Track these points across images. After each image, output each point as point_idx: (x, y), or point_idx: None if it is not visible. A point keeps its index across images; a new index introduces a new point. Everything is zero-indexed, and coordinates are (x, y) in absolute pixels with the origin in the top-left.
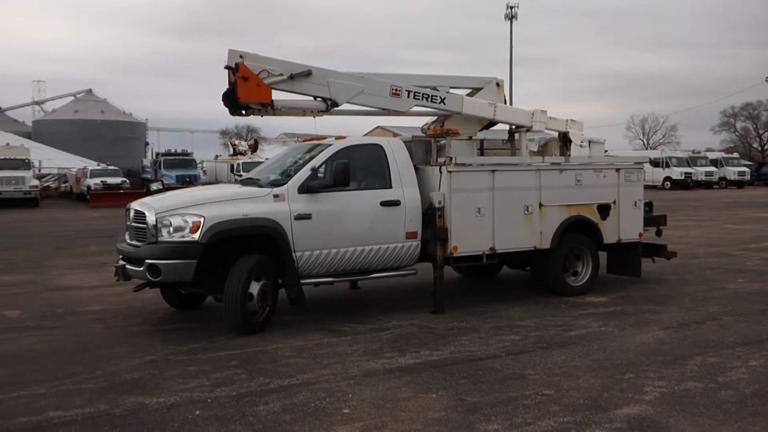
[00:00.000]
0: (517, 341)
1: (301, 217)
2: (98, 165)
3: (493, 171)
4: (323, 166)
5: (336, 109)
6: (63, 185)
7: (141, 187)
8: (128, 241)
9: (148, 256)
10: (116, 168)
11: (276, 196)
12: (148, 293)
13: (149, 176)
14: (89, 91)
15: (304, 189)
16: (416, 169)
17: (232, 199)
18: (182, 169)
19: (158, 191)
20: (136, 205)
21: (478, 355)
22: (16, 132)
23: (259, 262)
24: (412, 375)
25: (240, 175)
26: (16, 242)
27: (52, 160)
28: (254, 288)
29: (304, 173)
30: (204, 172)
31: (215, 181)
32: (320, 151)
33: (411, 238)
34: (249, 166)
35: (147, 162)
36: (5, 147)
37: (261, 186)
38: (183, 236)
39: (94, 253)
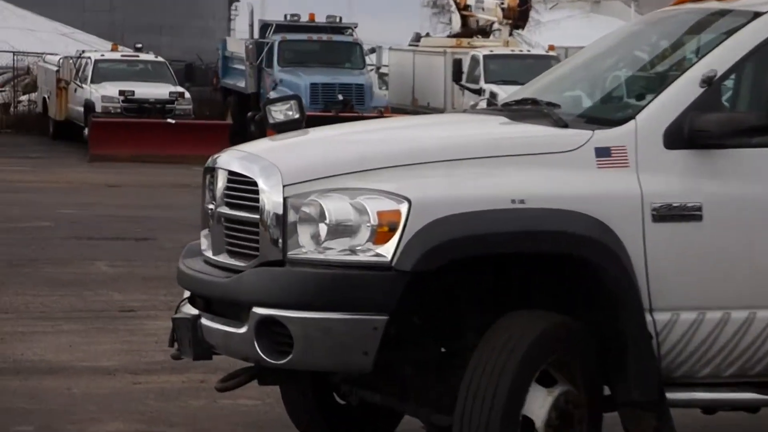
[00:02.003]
0: None
1: (672, 213)
2: (114, 49)
3: None
4: (736, 73)
5: None
6: (24, 98)
7: (222, 113)
8: (208, 253)
9: (261, 299)
10: (158, 59)
11: (602, 152)
12: (247, 392)
13: (241, 84)
14: None
15: (684, 136)
16: None
17: (481, 155)
18: (326, 69)
19: (285, 125)
20: (231, 159)
21: None
22: None
23: (553, 334)
24: None
25: (479, 91)
26: None
27: None
28: (537, 401)
29: (684, 93)
30: (383, 79)
31: (414, 108)
32: (728, 32)
33: None
34: (502, 66)
35: (233, 45)
36: None
37: (556, 122)
38: (353, 250)
39: (106, 280)
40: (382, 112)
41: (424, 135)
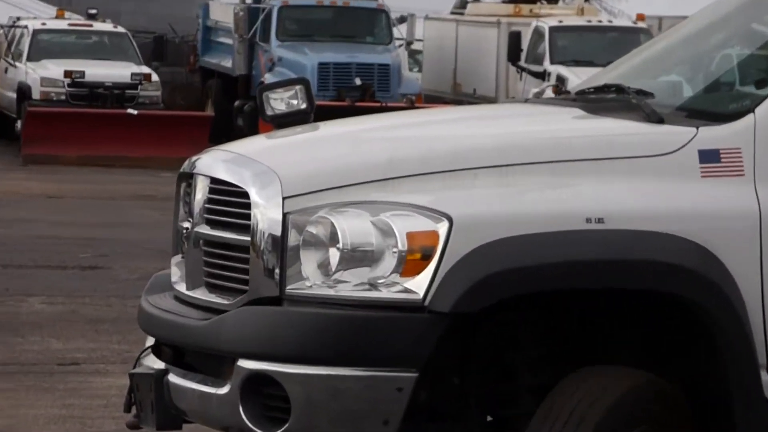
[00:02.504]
0: None
1: None
2: (59, 16)
3: None
4: None
5: None
6: None
7: (201, 101)
8: (180, 287)
9: (249, 348)
10: (118, 29)
11: (709, 156)
12: None
13: (227, 63)
14: None
15: None
16: None
17: (548, 159)
18: (340, 44)
19: (287, 118)
20: (215, 163)
21: None
22: None
23: (636, 398)
24: None
25: (543, 75)
26: None
27: None
28: None
29: None
30: (416, 58)
31: (456, 95)
32: None
33: None
34: (575, 42)
35: (218, 12)
36: None
37: (648, 116)
38: (374, 284)
39: (41, 322)
40: (414, 102)
41: (472, 132)
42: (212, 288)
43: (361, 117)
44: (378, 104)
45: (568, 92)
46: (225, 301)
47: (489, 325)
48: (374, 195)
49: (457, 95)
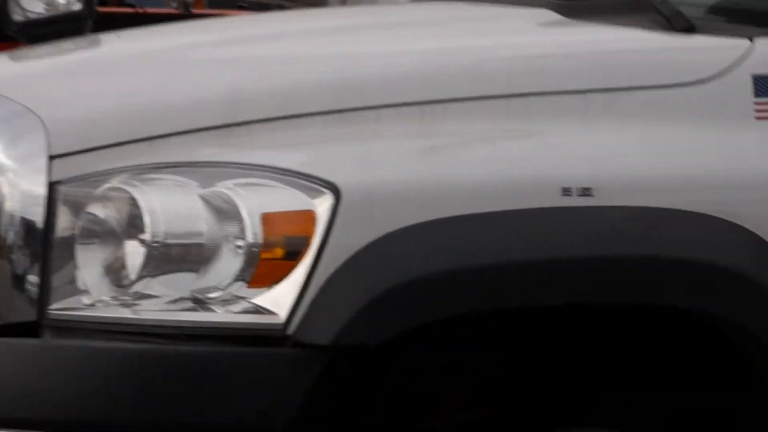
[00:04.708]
0: None
1: None
2: None
3: None
4: None
5: None
6: None
7: None
8: None
9: None
10: None
11: None
12: None
13: None
14: None
15: None
16: None
17: (499, 92)
18: None
19: (47, 26)
20: None
21: None
22: None
23: None
24: None
25: None
26: None
27: None
28: None
29: None
30: None
31: None
32: None
33: None
34: None
35: None
36: None
37: (668, 20)
38: (202, 300)
39: None
40: (190, 5)
41: (368, 50)
42: None
43: (167, 25)
44: (130, 10)
45: None
46: None
47: (404, 365)
48: (207, 151)
49: None
